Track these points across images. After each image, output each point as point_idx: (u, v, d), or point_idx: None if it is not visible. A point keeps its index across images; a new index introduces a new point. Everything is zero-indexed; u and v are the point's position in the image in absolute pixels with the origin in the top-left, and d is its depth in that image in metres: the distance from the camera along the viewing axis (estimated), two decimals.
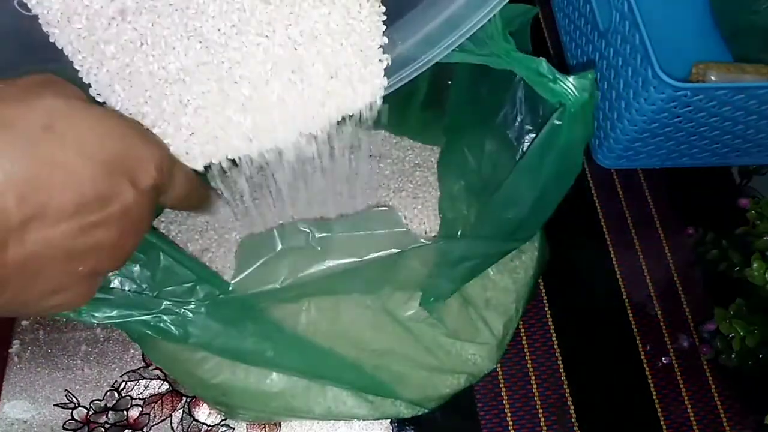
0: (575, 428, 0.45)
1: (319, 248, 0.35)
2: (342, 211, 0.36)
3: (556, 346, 0.47)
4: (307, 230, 0.35)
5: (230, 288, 0.35)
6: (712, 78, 0.52)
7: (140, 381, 0.44)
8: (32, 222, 0.19)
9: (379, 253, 0.35)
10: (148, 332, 0.31)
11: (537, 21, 0.64)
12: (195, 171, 0.26)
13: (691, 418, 0.46)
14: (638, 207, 0.54)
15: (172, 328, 0.31)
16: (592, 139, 0.56)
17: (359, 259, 0.35)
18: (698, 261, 0.51)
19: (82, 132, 0.20)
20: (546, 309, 0.49)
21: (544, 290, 0.50)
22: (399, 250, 0.35)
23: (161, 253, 0.32)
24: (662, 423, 0.45)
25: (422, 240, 0.38)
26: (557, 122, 0.29)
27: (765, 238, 0.43)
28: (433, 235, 0.39)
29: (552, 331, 0.48)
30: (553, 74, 0.29)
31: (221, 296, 0.33)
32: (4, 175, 0.18)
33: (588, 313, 0.49)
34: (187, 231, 0.39)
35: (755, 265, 0.41)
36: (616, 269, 0.51)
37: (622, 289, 0.50)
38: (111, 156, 0.21)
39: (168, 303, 0.31)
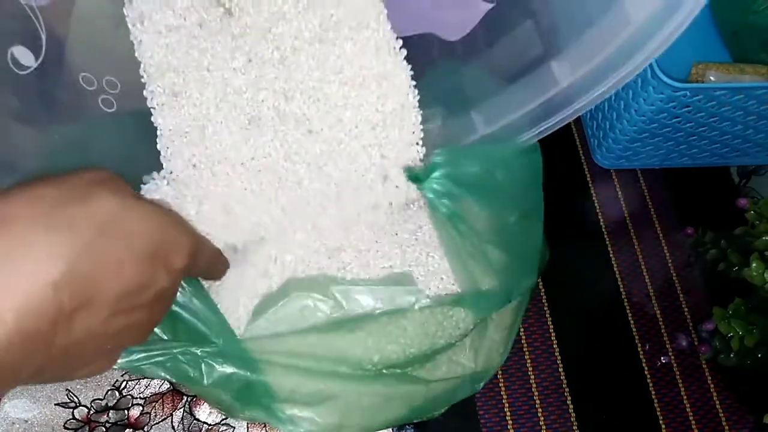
0: (574, 427, 0.45)
1: (330, 299, 0.35)
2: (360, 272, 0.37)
3: (555, 346, 0.48)
4: (321, 281, 0.36)
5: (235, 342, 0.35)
6: (711, 78, 0.52)
7: (141, 380, 0.44)
8: (79, 312, 0.20)
9: (392, 307, 0.36)
10: (167, 375, 0.32)
11: None
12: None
13: (690, 417, 0.46)
14: (637, 207, 0.54)
15: (189, 369, 0.32)
16: (591, 140, 0.56)
17: (372, 310, 0.35)
18: (697, 261, 0.52)
19: (131, 230, 0.22)
20: (545, 309, 0.49)
21: (543, 290, 0.50)
22: (413, 306, 0.36)
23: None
24: (661, 422, 0.45)
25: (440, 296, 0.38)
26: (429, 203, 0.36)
27: (764, 238, 0.43)
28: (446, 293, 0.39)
29: (551, 330, 0.48)
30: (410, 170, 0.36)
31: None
32: (61, 275, 0.19)
33: (587, 312, 0.49)
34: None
35: (754, 265, 0.41)
36: (616, 269, 0.51)
37: (621, 289, 0.50)
38: (153, 248, 0.23)
39: (183, 347, 0.32)
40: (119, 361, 0.30)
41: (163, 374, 0.32)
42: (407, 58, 0.33)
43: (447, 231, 0.37)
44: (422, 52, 0.36)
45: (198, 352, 0.32)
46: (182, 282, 0.33)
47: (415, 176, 0.37)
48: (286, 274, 0.36)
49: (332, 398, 0.35)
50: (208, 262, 0.28)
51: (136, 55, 0.31)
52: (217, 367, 0.33)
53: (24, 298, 0.18)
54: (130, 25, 0.31)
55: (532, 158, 0.37)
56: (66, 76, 0.32)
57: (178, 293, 0.33)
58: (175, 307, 0.32)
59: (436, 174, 0.36)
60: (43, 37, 0.30)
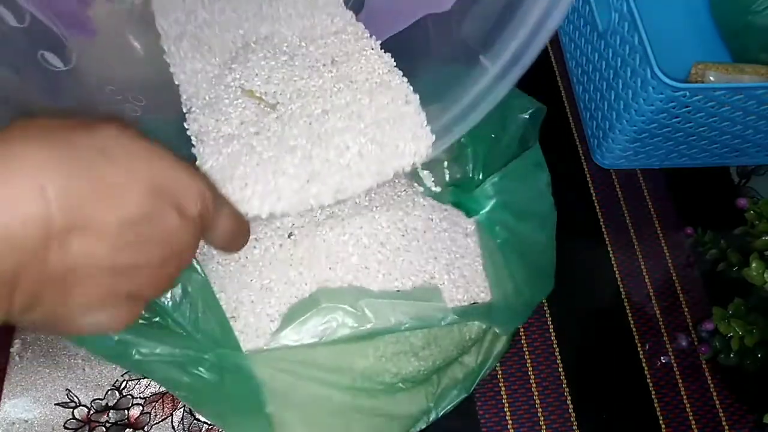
0: (574, 427, 0.45)
1: (359, 312, 0.35)
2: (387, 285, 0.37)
3: (555, 346, 0.48)
4: (352, 292, 0.35)
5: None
6: (711, 78, 0.52)
7: (141, 380, 0.44)
8: (74, 231, 0.20)
9: (419, 323, 0.35)
10: (185, 378, 0.32)
11: None
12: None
13: (690, 417, 0.46)
14: (637, 207, 0.54)
15: (196, 372, 0.32)
16: (591, 140, 0.56)
17: (398, 325, 0.35)
18: (697, 261, 0.52)
19: (132, 157, 0.21)
20: (545, 309, 0.49)
21: None
22: (440, 323, 0.36)
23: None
24: (661, 422, 0.45)
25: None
26: (480, 229, 0.39)
27: (763, 238, 0.43)
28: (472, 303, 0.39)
29: (551, 330, 0.48)
30: (458, 197, 0.39)
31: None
32: (51, 182, 0.19)
33: (587, 313, 0.49)
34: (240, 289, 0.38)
35: (754, 264, 0.41)
36: (615, 269, 0.51)
37: (621, 289, 0.50)
38: (157, 181, 0.22)
39: (192, 349, 0.32)
40: (144, 351, 0.30)
41: (163, 375, 0.32)
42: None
43: (495, 258, 0.38)
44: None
45: (205, 356, 0.33)
46: (191, 293, 0.33)
47: (469, 206, 0.38)
48: (315, 283, 0.36)
49: (338, 415, 0.35)
50: (229, 225, 0.27)
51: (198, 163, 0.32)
52: (220, 373, 0.33)
53: (8, 199, 0.18)
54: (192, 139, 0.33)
55: (543, 172, 0.39)
56: (94, 84, 0.34)
57: (187, 309, 0.33)
58: (184, 323, 0.32)
59: (491, 203, 0.37)
60: (70, 48, 0.32)
